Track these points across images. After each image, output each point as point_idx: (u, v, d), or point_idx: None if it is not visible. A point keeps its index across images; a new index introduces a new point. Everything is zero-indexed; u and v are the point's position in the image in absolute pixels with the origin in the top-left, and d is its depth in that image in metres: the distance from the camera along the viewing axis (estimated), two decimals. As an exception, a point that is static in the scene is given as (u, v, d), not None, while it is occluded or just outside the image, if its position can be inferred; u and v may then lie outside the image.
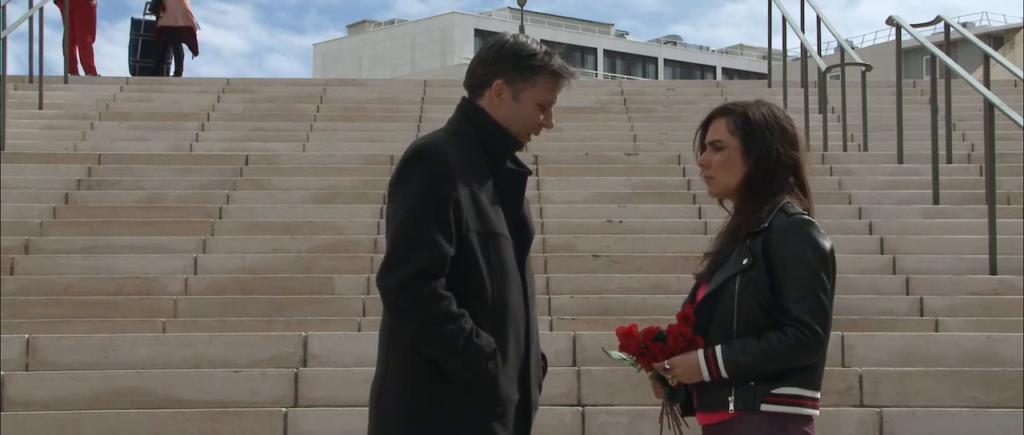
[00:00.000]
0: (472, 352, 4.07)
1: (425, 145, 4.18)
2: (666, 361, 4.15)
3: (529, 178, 4.40)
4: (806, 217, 4.16)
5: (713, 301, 4.15)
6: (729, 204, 4.32)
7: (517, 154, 4.35)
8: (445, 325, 4.04)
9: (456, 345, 4.05)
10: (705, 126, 4.30)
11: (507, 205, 4.24)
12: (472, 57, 4.36)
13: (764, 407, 4.09)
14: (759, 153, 4.18)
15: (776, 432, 4.09)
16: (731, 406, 4.10)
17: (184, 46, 19.16)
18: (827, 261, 4.12)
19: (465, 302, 4.08)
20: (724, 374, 4.08)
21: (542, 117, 4.32)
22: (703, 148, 4.29)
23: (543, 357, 4.39)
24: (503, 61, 4.26)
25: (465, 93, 4.37)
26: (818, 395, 4.18)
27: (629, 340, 4.20)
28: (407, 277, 4.04)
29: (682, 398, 4.23)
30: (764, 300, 4.09)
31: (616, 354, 4.26)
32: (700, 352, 4.11)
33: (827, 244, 4.14)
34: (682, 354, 4.13)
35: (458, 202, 4.10)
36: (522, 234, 4.28)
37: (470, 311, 4.08)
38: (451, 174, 4.10)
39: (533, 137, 4.39)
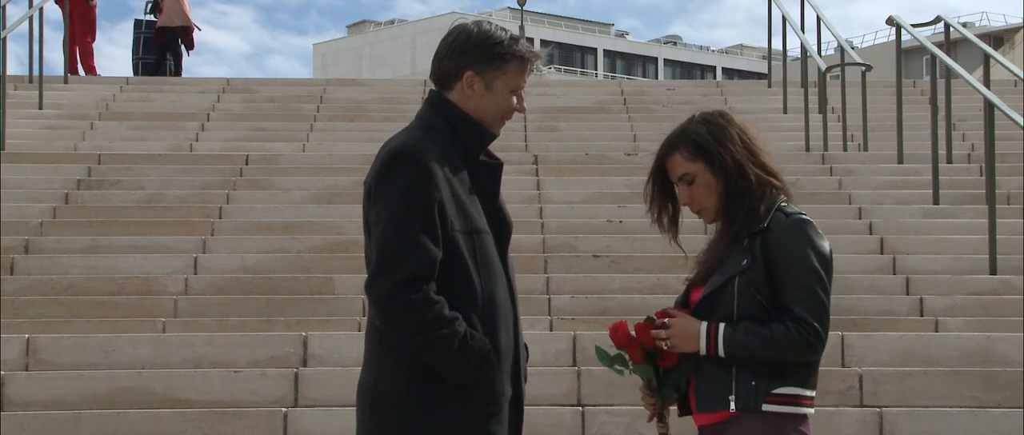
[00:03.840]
0: (468, 355, 4.04)
1: (405, 145, 4.11)
2: (666, 319, 4.16)
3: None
4: (804, 217, 4.19)
5: (712, 301, 4.16)
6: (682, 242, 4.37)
7: (492, 146, 4.32)
8: (439, 330, 4.01)
9: (451, 349, 4.03)
10: (659, 170, 4.30)
11: (484, 199, 4.21)
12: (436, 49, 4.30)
13: (764, 407, 4.10)
14: (725, 164, 4.20)
15: (773, 432, 4.10)
16: (732, 405, 4.10)
17: (182, 46, 19.17)
18: (826, 261, 4.15)
19: (456, 303, 4.06)
20: (721, 352, 4.09)
21: (515, 102, 4.29)
22: (663, 191, 4.30)
23: (524, 347, 4.37)
24: (471, 52, 4.20)
25: (432, 86, 4.32)
26: (814, 394, 4.20)
27: (618, 332, 4.21)
28: (397, 283, 4.00)
29: (671, 396, 4.23)
30: (764, 300, 4.11)
31: (607, 354, 4.26)
32: (703, 323, 4.11)
33: (826, 245, 4.17)
34: (682, 318, 4.14)
35: (442, 203, 4.06)
36: (501, 227, 4.25)
37: (461, 312, 4.06)
38: (434, 175, 4.06)
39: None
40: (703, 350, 4.12)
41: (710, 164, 4.22)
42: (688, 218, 4.42)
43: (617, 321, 4.24)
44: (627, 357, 4.24)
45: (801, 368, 4.14)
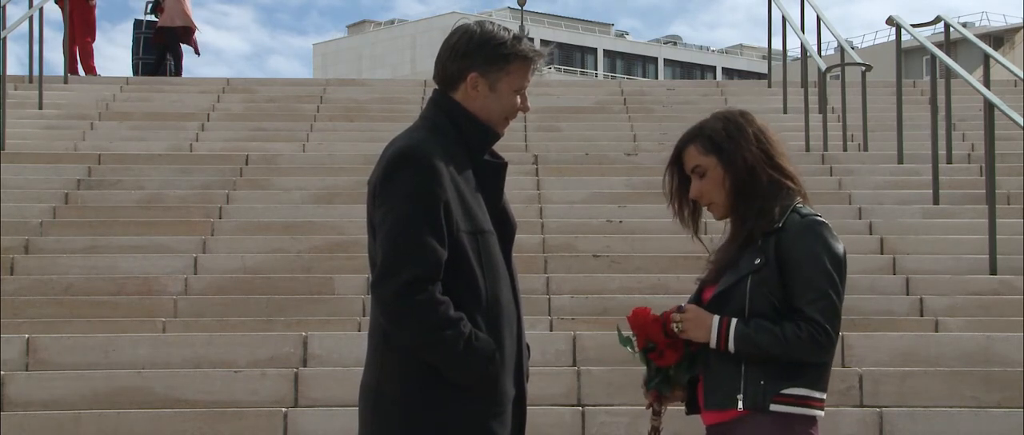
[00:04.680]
0: (472, 356, 4.04)
1: (411, 146, 4.12)
2: (682, 304, 4.20)
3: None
4: (819, 218, 4.20)
5: (723, 300, 4.17)
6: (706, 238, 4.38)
7: (495, 146, 4.32)
8: (444, 331, 4.01)
9: (457, 350, 4.02)
10: (676, 161, 4.33)
11: (488, 198, 4.21)
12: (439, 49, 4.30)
13: (773, 407, 4.10)
14: (735, 161, 4.22)
15: (781, 432, 4.10)
16: (740, 405, 4.11)
17: (183, 46, 19.17)
18: (840, 263, 4.15)
19: (461, 304, 4.05)
20: (731, 347, 4.10)
21: (519, 101, 4.29)
22: (680, 182, 4.32)
23: (527, 347, 4.37)
24: (474, 53, 4.20)
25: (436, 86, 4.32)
26: (824, 396, 4.20)
27: (636, 317, 4.24)
28: (403, 284, 3.99)
29: (664, 390, 4.24)
30: (776, 300, 4.12)
31: (622, 334, 4.29)
32: (715, 317, 4.13)
33: (840, 247, 4.18)
34: (698, 309, 4.17)
35: (448, 203, 4.06)
36: (504, 227, 4.24)
37: (466, 312, 4.06)
38: (439, 175, 4.06)
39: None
40: (714, 342, 4.13)
41: (721, 159, 4.24)
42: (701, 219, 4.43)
43: (642, 307, 4.26)
44: (635, 342, 4.26)
45: (811, 369, 4.14)
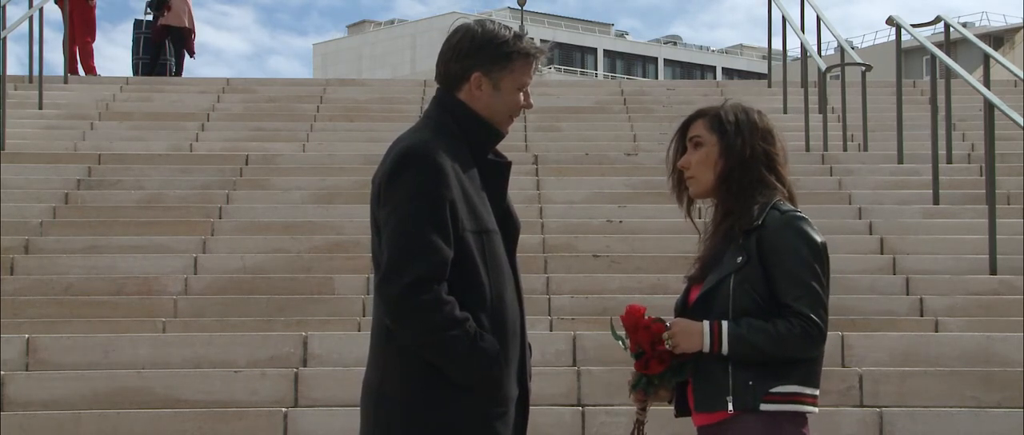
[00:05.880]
0: (477, 357, 4.04)
1: (416, 145, 4.11)
2: (668, 321, 4.19)
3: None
4: (798, 213, 4.22)
5: (708, 300, 4.17)
6: (698, 221, 4.38)
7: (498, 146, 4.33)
8: (449, 331, 4.01)
9: (461, 350, 4.02)
10: (684, 129, 4.37)
11: (492, 198, 4.21)
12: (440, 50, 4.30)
13: (763, 407, 4.09)
14: (734, 148, 4.24)
15: (773, 432, 4.09)
16: (730, 406, 4.10)
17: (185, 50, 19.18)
18: (820, 254, 4.17)
19: (465, 303, 4.05)
20: (725, 349, 4.09)
21: (522, 99, 4.30)
22: (681, 151, 4.34)
23: (529, 346, 4.37)
24: (477, 53, 4.21)
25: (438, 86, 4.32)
26: (817, 393, 4.19)
27: (631, 316, 4.24)
28: (408, 284, 3.99)
29: (649, 392, 4.24)
30: (760, 297, 4.12)
31: (618, 332, 4.29)
32: (705, 322, 4.13)
33: (819, 238, 4.19)
34: (683, 320, 4.17)
35: (453, 202, 4.06)
36: (508, 226, 4.25)
37: (470, 312, 4.05)
38: (445, 174, 4.06)
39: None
40: (707, 347, 4.12)
41: (721, 141, 4.25)
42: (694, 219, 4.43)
43: (637, 305, 4.26)
44: (627, 341, 4.26)
45: (801, 366, 4.14)
